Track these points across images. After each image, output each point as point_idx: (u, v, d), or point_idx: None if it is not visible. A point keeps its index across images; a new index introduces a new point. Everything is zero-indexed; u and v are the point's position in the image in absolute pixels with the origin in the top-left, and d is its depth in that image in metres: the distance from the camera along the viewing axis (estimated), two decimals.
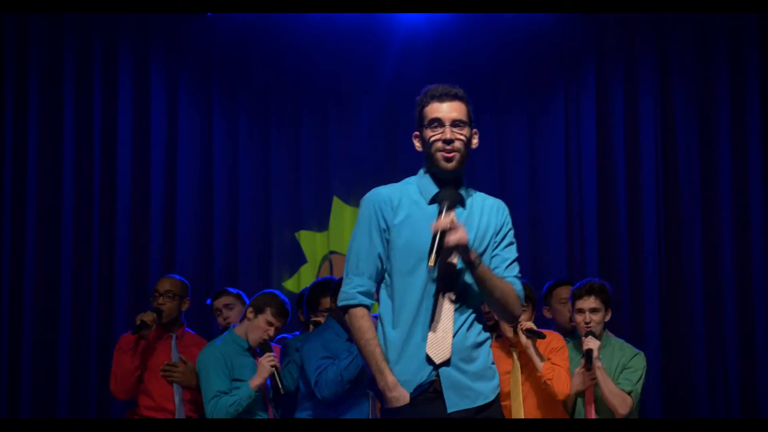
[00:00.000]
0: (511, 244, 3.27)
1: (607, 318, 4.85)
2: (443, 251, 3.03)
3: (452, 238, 3.01)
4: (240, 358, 4.82)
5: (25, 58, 6.37)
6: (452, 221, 3.03)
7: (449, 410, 3.10)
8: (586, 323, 4.76)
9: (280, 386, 4.74)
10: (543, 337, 4.63)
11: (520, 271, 3.30)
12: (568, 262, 6.67)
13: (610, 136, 6.74)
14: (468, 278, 3.15)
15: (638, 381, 4.75)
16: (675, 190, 6.64)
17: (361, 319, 3.13)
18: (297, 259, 6.81)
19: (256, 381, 4.72)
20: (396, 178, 6.92)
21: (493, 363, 3.24)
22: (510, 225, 3.28)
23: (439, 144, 3.16)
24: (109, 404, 6.24)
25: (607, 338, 4.87)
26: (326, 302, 5.15)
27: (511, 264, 3.24)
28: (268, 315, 4.83)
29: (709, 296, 6.53)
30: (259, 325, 4.82)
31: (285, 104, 6.86)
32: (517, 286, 3.22)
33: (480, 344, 3.18)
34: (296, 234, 6.82)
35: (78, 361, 6.28)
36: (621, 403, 4.65)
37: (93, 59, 6.49)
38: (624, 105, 6.72)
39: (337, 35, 6.78)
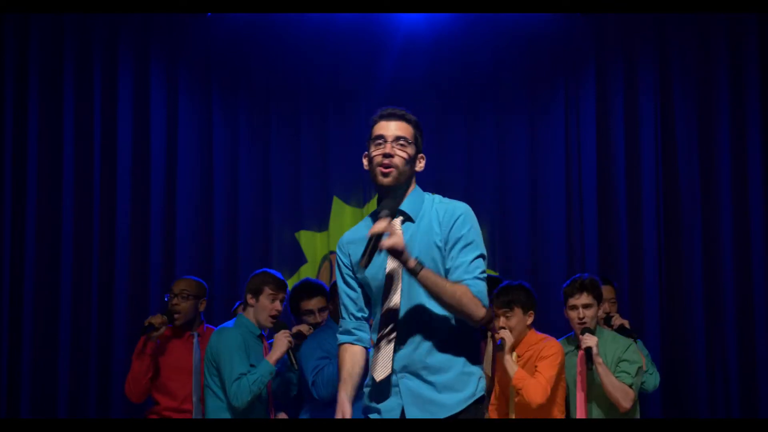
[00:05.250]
0: (467, 245, 3.18)
1: (601, 312, 4.91)
2: (375, 254, 3.09)
3: (386, 243, 3.05)
4: (254, 345, 4.85)
5: (25, 58, 6.37)
6: (387, 227, 3.07)
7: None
8: (580, 319, 4.80)
9: (294, 363, 4.75)
10: (502, 348, 4.66)
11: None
12: (568, 262, 6.67)
13: (610, 136, 6.74)
14: (418, 297, 3.18)
15: (637, 373, 4.77)
16: (675, 190, 6.64)
17: (340, 357, 3.31)
18: (297, 259, 6.81)
19: (274, 355, 4.73)
20: None
21: (472, 369, 3.21)
22: (461, 228, 3.19)
23: (379, 158, 3.21)
24: (109, 404, 6.25)
25: (600, 331, 4.90)
26: (307, 304, 5.18)
27: (471, 265, 3.16)
28: (267, 292, 4.86)
29: (709, 296, 6.53)
30: (264, 306, 4.85)
31: (285, 104, 6.86)
32: (476, 287, 3.14)
33: (452, 357, 3.18)
34: (296, 234, 6.83)
35: (78, 361, 6.28)
36: (624, 396, 4.67)
37: (93, 59, 6.49)
38: (624, 105, 6.72)
39: (337, 35, 6.78)
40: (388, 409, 3.19)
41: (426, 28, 6.79)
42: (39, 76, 6.38)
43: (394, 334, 3.16)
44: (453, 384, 3.17)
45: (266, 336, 4.99)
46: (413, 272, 3.09)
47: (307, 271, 6.77)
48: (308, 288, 5.27)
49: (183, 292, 5.15)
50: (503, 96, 6.88)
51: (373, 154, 3.24)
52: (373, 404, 3.24)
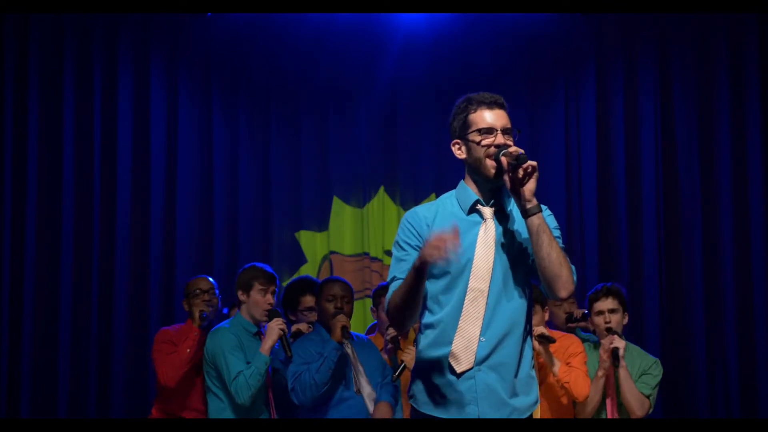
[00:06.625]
0: (558, 237, 3.14)
1: (625, 321, 4.83)
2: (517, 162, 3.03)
3: (531, 162, 3.01)
4: (249, 342, 4.81)
5: (25, 58, 6.37)
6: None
7: (481, 417, 3.02)
8: (606, 323, 4.73)
9: (288, 351, 4.71)
10: (553, 341, 4.61)
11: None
12: None
13: (610, 136, 6.74)
14: (506, 289, 3.07)
15: (656, 386, 4.77)
16: (675, 190, 6.65)
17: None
18: (297, 259, 6.81)
19: (266, 344, 4.68)
20: (395, 178, 7.01)
21: (534, 373, 3.14)
22: (553, 221, 3.17)
23: (492, 150, 3.10)
24: (109, 404, 6.25)
25: (627, 346, 4.82)
26: (307, 301, 5.15)
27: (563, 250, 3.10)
28: (258, 287, 4.82)
29: (709, 296, 6.53)
30: (257, 301, 4.82)
31: (285, 104, 6.87)
32: (571, 265, 3.06)
33: (525, 356, 3.09)
34: (296, 234, 6.83)
35: (78, 361, 6.28)
36: (639, 405, 4.66)
37: (93, 59, 6.48)
38: (624, 105, 6.72)
39: (337, 35, 6.78)
40: (461, 403, 3.02)
41: (426, 28, 6.80)
42: (39, 76, 6.38)
43: (479, 324, 3.02)
44: (523, 386, 3.07)
45: (264, 333, 4.97)
46: (531, 211, 3.03)
47: (307, 271, 6.77)
48: (309, 284, 5.22)
49: (210, 290, 5.14)
50: (503, 96, 6.85)
51: (483, 144, 3.13)
52: (437, 396, 3.05)
